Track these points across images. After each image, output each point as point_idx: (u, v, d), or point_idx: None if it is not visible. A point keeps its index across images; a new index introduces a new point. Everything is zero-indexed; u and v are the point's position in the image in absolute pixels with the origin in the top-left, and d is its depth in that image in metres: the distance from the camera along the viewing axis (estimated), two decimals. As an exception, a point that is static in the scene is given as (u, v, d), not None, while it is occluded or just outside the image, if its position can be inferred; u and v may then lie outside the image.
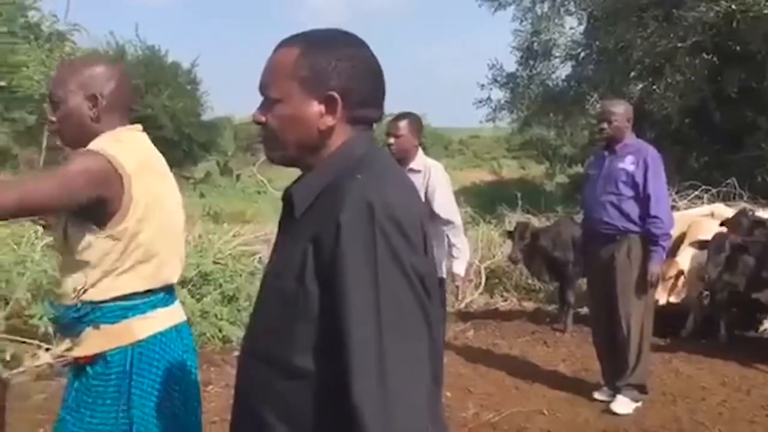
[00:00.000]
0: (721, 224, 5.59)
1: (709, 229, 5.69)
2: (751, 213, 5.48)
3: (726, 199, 8.25)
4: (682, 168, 10.53)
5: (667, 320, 5.59)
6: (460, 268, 4.14)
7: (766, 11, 9.82)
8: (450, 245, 4.05)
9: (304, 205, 1.30)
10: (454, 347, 6.03)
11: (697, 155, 11.97)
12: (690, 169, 11.07)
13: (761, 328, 6.24)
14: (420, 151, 4.08)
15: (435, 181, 3.94)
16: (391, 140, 4.00)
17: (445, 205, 3.99)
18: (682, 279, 5.57)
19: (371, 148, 1.37)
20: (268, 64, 1.35)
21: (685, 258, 5.71)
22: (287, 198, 1.35)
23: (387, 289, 1.16)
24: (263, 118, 1.35)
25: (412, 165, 4.00)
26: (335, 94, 1.30)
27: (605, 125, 4.58)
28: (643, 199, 4.43)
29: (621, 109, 4.59)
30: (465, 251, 4.20)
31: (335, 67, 1.30)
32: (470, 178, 23.54)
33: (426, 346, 1.20)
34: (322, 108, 1.31)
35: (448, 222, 3.99)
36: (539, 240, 6.68)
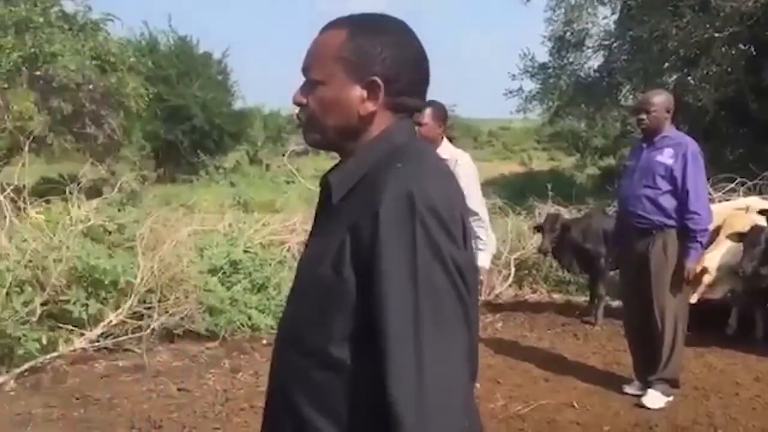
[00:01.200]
0: (760, 212, 5.47)
1: (745, 223, 5.58)
2: None
3: (762, 192, 8.08)
4: (717, 160, 10.33)
5: (704, 315, 5.49)
6: (485, 261, 4.11)
7: (806, 0, 9.60)
8: (475, 237, 4.02)
9: (342, 192, 1.28)
10: (483, 338, 6.00)
11: (732, 147, 11.76)
12: (725, 161, 10.87)
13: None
14: (446, 140, 4.05)
15: (461, 171, 3.90)
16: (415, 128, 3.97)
17: (471, 196, 3.96)
18: (707, 276, 5.44)
19: (412, 138, 1.35)
20: (313, 46, 1.34)
21: (717, 253, 5.60)
22: (325, 184, 1.33)
23: (426, 281, 1.14)
24: (304, 100, 1.33)
25: (439, 154, 3.97)
26: (378, 80, 1.28)
27: (643, 116, 4.50)
28: (681, 193, 4.35)
29: (660, 100, 4.50)
30: (491, 244, 4.16)
31: (380, 53, 1.28)
32: (500, 170, 23.37)
33: (465, 340, 1.19)
34: (364, 93, 1.29)
35: (473, 213, 3.95)
36: (569, 232, 6.62)
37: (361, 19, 1.34)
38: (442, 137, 4.00)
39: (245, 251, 6.66)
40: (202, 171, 21.05)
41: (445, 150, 3.95)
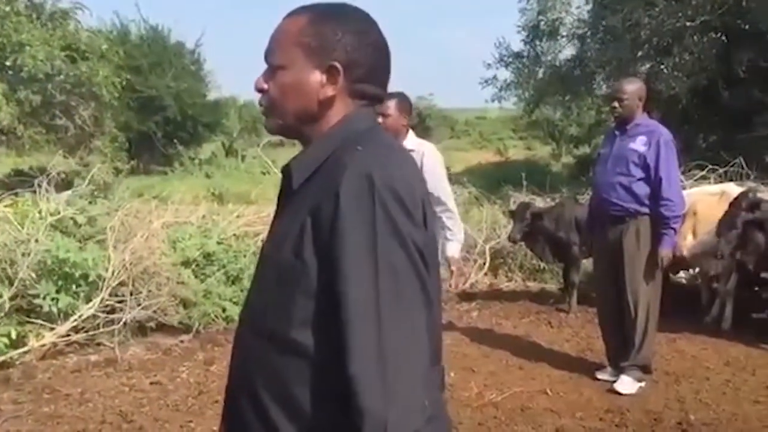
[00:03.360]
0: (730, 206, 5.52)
1: (714, 208, 5.63)
2: (753, 194, 5.41)
3: (733, 179, 8.18)
4: (689, 148, 10.44)
5: (676, 302, 5.55)
6: (453, 250, 4.10)
7: (776, -11, 9.70)
8: (443, 227, 4.01)
9: (302, 177, 1.29)
10: (458, 327, 6.03)
11: (705, 135, 11.89)
12: (697, 148, 10.99)
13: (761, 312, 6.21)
14: (411, 132, 4.04)
15: (428, 161, 3.90)
16: (380, 120, 3.95)
17: (438, 186, 3.95)
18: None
19: (374, 125, 1.37)
20: (274, 32, 1.36)
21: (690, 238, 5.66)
22: (286, 171, 1.34)
23: (385, 260, 1.15)
24: (266, 86, 1.34)
25: (404, 145, 3.95)
26: (338, 65, 1.29)
27: (616, 104, 4.53)
28: (654, 180, 4.39)
29: (632, 88, 4.54)
30: (458, 234, 4.15)
31: (340, 39, 1.30)
32: (476, 159, 23.44)
33: (424, 318, 1.19)
34: (323, 78, 1.30)
35: (441, 203, 3.94)
36: (540, 220, 6.65)
37: (322, 7, 1.36)
38: (407, 129, 3.99)
39: (219, 243, 6.60)
40: (177, 162, 20.85)
41: (411, 141, 3.94)
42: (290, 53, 1.31)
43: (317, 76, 1.30)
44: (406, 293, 1.16)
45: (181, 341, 5.54)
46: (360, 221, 1.15)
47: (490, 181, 13.16)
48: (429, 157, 3.93)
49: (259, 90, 1.36)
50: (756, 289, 6.19)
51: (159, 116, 21.63)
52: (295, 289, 1.21)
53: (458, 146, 30.17)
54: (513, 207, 7.65)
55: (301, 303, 1.20)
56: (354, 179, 1.18)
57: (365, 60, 1.31)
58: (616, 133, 4.63)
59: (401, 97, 3.94)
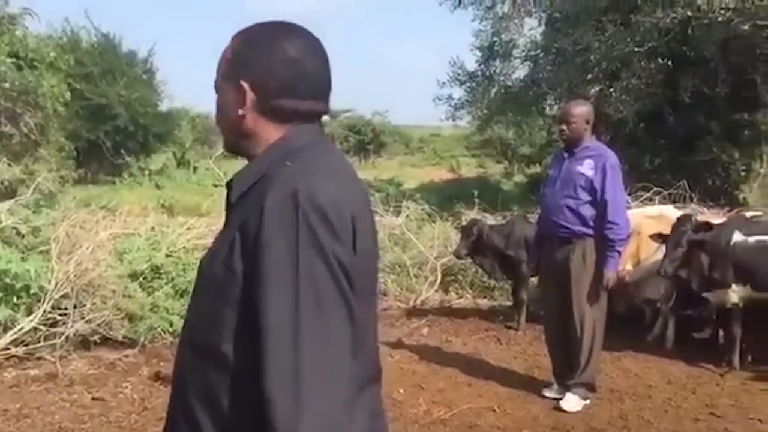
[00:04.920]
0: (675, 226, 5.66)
1: (654, 229, 5.76)
2: (694, 218, 5.58)
3: (676, 201, 8.41)
4: (635, 170, 10.69)
5: (620, 321, 5.66)
6: None
7: (719, 19, 10.03)
8: None
9: (239, 192, 1.32)
10: (408, 344, 6.04)
11: (651, 158, 12.16)
12: (643, 170, 11.23)
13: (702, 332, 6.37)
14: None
15: None
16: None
17: None
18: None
19: (315, 140, 1.36)
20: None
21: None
22: (228, 186, 1.37)
23: (306, 275, 1.15)
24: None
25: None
26: (244, 84, 1.33)
27: (564, 126, 4.62)
28: (600, 204, 4.49)
29: (580, 111, 4.63)
30: None
31: (251, 59, 1.34)
32: (430, 176, 23.57)
33: (347, 338, 1.18)
34: (237, 97, 1.34)
35: None
36: (485, 238, 6.71)
37: (256, 27, 1.40)
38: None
39: (168, 255, 6.48)
40: (126, 172, 20.45)
41: None
42: (219, 74, 1.39)
43: (233, 95, 1.34)
44: (325, 309, 1.16)
45: (126, 356, 5.42)
46: (282, 235, 1.17)
47: (443, 198, 13.24)
48: None
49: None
50: (697, 308, 6.35)
51: (109, 125, 21.16)
52: (225, 301, 1.22)
53: (412, 163, 30.37)
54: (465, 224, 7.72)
55: (228, 315, 1.22)
56: (279, 194, 1.19)
57: (275, 77, 1.33)
58: (565, 155, 4.72)
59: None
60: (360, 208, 1.28)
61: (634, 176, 9.56)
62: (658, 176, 10.55)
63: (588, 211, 4.54)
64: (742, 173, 11.48)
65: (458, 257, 7.02)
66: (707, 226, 5.43)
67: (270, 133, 1.34)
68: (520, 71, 15.00)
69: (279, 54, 1.33)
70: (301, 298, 1.14)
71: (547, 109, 14.67)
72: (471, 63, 15.37)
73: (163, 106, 24.25)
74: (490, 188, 16.51)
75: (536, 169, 20.03)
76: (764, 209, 8.78)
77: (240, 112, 1.33)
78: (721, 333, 5.85)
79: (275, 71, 1.32)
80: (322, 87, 1.38)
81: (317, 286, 1.15)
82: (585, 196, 4.53)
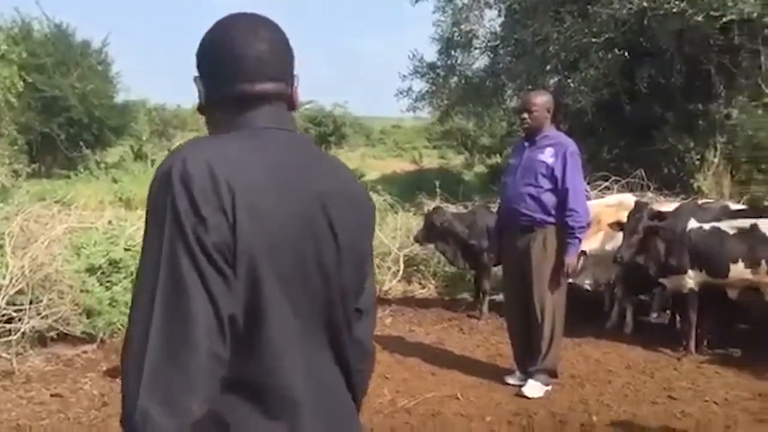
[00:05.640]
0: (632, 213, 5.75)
1: (613, 218, 5.86)
2: (649, 207, 5.68)
3: (634, 190, 8.56)
4: (594, 159, 10.82)
5: (581, 308, 5.74)
6: None
7: (674, 10, 10.18)
8: None
9: None
10: (371, 334, 6.03)
11: (609, 147, 12.32)
12: (602, 160, 11.38)
13: (653, 315, 6.53)
14: None
15: None
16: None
17: None
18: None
19: (269, 124, 1.34)
20: None
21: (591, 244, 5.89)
22: None
23: (169, 257, 1.15)
24: None
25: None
26: (197, 77, 1.39)
27: (526, 115, 4.67)
28: (561, 191, 4.54)
29: (541, 100, 4.69)
30: None
31: (203, 49, 1.39)
32: (391, 167, 23.57)
33: (192, 312, 1.13)
34: (198, 89, 1.39)
35: None
36: (447, 225, 6.76)
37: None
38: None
39: (126, 249, 6.36)
40: (82, 166, 20.01)
41: None
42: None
43: (196, 89, 1.40)
44: (183, 294, 1.14)
45: (84, 352, 5.33)
46: (151, 213, 1.19)
47: (405, 189, 13.25)
48: None
49: None
50: (654, 293, 6.49)
51: (63, 117, 20.65)
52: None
53: (374, 154, 30.33)
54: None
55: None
56: (159, 168, 1.21)
57: (232, 62, 1.34)
58: (525, 144, 4.76)
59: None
60: (269, 191, 1.23)
61: (593, 165, 9.69)
62: (617, 165, 10.71)
63: (549, 199, 4.59)
64: (697, 162, 11.69)
65: (417, 241, 7.11)
66: (660, 215, 5.55)
67: (226, 120, 1.36)
68: (480, 62, 15.04)
69: (217, 42, 1.37)
70: (160, 281, 1.14)
71: (507, 100, 14.74)
72: (432, 55, 15.39)
73: (119, 98, 23.78)
74: (451, 179, 16.57)
75: (497, 159, 20.17)
76: (717, 197, 9.01)
77: (203, 102, 1.39)
78: (678, 318, 5.99)
79: (205, 56, 1.38)
80: (276, 70, 1.36)
81: (173, 263, 1.14)
82: (546, 184, 4.58)
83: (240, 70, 1.34)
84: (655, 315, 6.55)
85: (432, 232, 6.85)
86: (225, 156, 1.21)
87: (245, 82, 1.33)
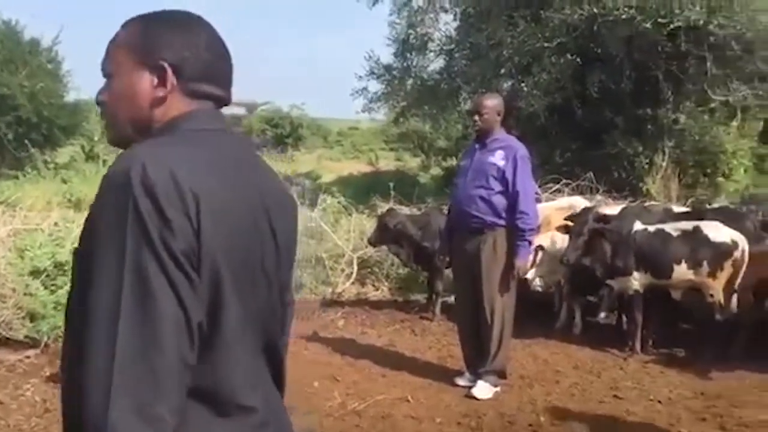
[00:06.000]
0: (566, 219, 5.85)
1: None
2: (595, 211, 5.80)
3: (584, 192, 8.71)
4: (546, 162, 10.99)
5: (530, 309, 5.82)
6: None
7: (624, 16, 10.41)
8: None
9: None
10: (323, 337, 6.02)
11: (561, 151, 12.51)
12: (554, 163, 11.56)
13: (601, 315, 6.66)
14: None
15: None
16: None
17: None
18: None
19: (210, 125, 1.30)
20: (108, 43, 1.34)
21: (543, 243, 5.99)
22: None
23: (132, 264, 1.08)
24: (102, 97, 1.33)
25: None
26: (165, 63, 1.27)
27: (477, 117, 4.72)
28: (511, 194, 4.59)
29: (492, 103, 4.74)
30: None
31: (169, 39, 1.29)
32: (348, 169, 23.55)
33: (161, 318, 1.09)
34: (154, 79, 1.28)
35: None
36: (400, 227, 6.79)
37: (151, 13, 1.35)
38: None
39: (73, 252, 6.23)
40: (29, 166, 19.49)
41: None
42: (119, 59, 1.30)
43: (147, 78, 1.28)
44: (149, 298, 1.08)
45: (27, 357, 5.19)
46: (106, 217, 1.11)
47: (361, 191, 13.25)
48: None
49: (98, 103, 1.33)
50: (602, 294, 6.61)
51: (11, 117, 20.11)
52: (79, 287, 1.16)
53: (331, 156, 30.23)
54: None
55: (80, 302, 1.14)
56: (113, 171, 1.14)
57: (197, 59, 1.29)
58: (476, 146, 4.81)
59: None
60: (225, 194, 1.20)
61: (545, 168, 9.84)
62: (568, 169, 10.88)
63: (499, 201, 4.63)
64: (646, 166, 11.96)
65: (371, 244, 7.12)
66: (606, 218, 5.66)
67: (171, 116, 1.29)
68: (436, 64, 15.13)
69: (199, 38, 1.31)
70: (125, 286, 1.07)
71: (462, 102, 14.86)
72: (387, 56, 15.40)
73: (70, 97, 23.23)
74: (407, 181, 16.64)
75: (453, 161, 20.23)
76: (665, 200, 9.23)
77: (161, 93, 1.27)
78: (624, 318, 6.10)
79: (197, 53, 1.29)
80: (228, 75, 1.37)
81: (139, 274, 1.08)
82: (497, 186, 4.63)
83: (226, 74, 1.35)
84: (603, 315, 6.67)
85: (385, 234, 6.87)
86: (184, 161, 1.17)
87: (219, 86, 1.33)
